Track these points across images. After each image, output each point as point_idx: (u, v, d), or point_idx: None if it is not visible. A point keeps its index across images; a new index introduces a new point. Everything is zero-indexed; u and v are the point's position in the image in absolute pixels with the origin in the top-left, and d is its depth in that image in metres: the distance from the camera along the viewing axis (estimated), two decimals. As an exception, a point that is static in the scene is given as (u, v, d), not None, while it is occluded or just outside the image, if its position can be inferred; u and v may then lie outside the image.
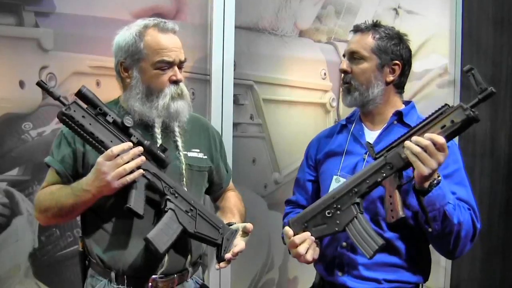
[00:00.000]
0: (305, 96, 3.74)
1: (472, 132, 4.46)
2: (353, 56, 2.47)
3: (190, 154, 2.43)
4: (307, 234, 2.31)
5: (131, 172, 2.10)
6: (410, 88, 4.22)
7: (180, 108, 2.32)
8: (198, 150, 2.47)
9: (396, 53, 2.47)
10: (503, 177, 4.52)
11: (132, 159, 2.10)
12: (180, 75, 2.32)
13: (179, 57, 2.31)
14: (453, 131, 2.09)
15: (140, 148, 2.13)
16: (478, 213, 2.32)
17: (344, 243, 2.40)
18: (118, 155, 2.07)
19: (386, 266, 2.39)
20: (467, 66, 2.08)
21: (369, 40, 2.45)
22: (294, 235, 2.32)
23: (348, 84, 2.48)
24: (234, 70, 3.36)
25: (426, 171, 2.09)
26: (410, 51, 2.53)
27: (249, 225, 2.40)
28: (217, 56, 3.28)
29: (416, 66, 4.25)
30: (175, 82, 2.31)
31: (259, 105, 3.55)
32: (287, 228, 2.36)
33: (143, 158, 2.13)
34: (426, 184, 2.15)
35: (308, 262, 2.32)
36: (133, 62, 2.28)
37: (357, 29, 2.52)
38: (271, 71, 3.59)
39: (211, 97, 3.26)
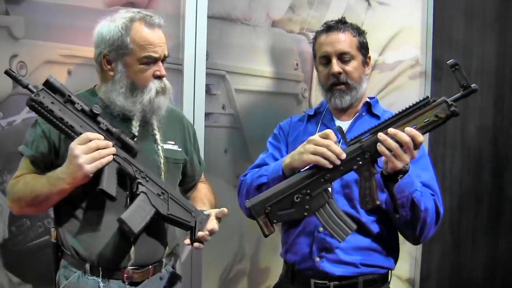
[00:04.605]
0: (277, 86, 3.75)
1: (443, 123, 4.49)
2: (342, 57, 2.50)
3: (165, 146, 2.45)
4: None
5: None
6: (382, 79, 4.25)
7: (161, 103, 2.35)
8: (173, 142, 2.49)
9: (368, 47, 2.57)
10: (473, 167, 4.57)
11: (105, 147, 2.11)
12: (163, 71, 2.34)
13: (163, 53, 2.32)
14: (435, 125, 2.12)
15: (111, 143, 2.14)
16: (441, 199, 2.38)
17: (321, 228, 2.42)
18: (90, 141, 2.07)
19: (363, 250, 2.44)
20: (452, 60, 2.08)
21: (352, 38, 2.52)
22: (256, 217, 2.25)
23: (344, 85, 2.51)
24: (207, 60, 3.35)
25: (400, 166, 2.12)
26: None
27: (225, 209, 2.42)
28: (189, 46, 3.27)
29: (388, 57, 4.28)
30: (159, 77, 2.32)
31: (231, 95, 3.55)
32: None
33: (114, 149, 2.14)
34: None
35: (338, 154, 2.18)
36: (117, 56, 2.28)
37: (331, 28, 2.53)
38: (244, 61, 3.59)
39: (183, 87, 3.25)
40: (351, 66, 2.50)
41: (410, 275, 4.56)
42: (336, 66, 2.49)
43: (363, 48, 2.53)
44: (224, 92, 3.53)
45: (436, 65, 4.38)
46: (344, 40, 2.50)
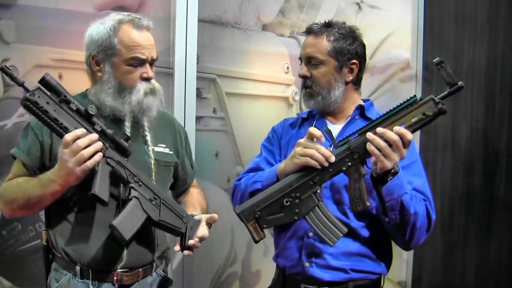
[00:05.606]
0: (268, 90, 3.75)
1: (434, 126, 4.51)
2: (310, 61, 2.47)
3: (156, 149, 2.44)
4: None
5: (91, 158, 2.07)
6: (372, 82, 4.25)
7: (151, 104, 2.34)
8: (164, 145, 2.48)
9: (352, 52, 2.48)
10: (464, 170, 4.58)
11: (90, 145, 2.07)
12: (151, 73, 2.33)
13: (151, 55, 2.32)
14: (423, 123, 2.12)
15: (96, 135, 2.10)
16: (433, 205, 2.36)
17: (310, 233, 2.40)
18: (74, 141, 2.04)
19: (353, 255, 2.41)
20: (437, 59, 2.07)
21: (324, 43, 2.45)
22: (246, 223, 2.24)
23: (309, 88, 2.49)
24: (197, 63, 3.36)
25: (389, 165, 2.11)
26: (364, 45, 2.55)
27: (215, 215, 2.41)
28: (180, 49, 3.28)
29: (379, 60, 4.29)
30: (146, 79, 2.32)
31: (222, 99, 3.55)
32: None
33: (100, 143, 2.10)
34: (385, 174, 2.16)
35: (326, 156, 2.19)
36: (105, 57, 2.28)
37: (310, 31, 2.52)
38: (234, 65, 3.60)
39: (173, 90, 3.26)
40: (317, 71, 2.46)
41: (401, 278, 4.56)
42: (302, 69, 2.50)
43: (340, 53, 2.45)
44: (215, 95, 3.53)
45: (427, 68, 4.39)
46: (313, 44, 2.47)
